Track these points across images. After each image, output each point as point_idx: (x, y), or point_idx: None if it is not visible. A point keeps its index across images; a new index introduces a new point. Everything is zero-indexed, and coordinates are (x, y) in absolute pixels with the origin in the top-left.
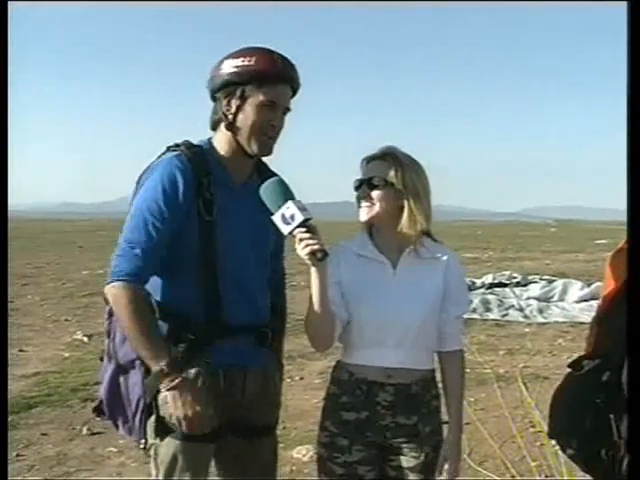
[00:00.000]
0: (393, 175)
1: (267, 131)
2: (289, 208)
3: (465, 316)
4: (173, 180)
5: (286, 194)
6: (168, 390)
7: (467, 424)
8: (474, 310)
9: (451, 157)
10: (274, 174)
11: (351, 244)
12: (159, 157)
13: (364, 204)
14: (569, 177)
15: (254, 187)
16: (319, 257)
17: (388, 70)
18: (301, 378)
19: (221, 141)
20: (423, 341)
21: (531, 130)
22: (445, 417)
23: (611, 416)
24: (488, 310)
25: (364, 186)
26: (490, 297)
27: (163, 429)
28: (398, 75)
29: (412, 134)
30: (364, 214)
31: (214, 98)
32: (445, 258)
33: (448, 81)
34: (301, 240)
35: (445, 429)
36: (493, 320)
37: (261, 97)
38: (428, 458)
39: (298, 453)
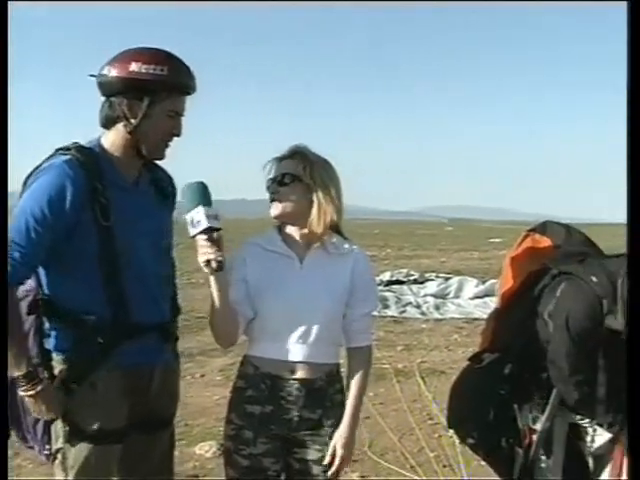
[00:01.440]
0: (302, 172)
1: (169, 139)
2: (198, 213)
3: None
4: (60, 187)
5: (200, 199)
6: (27, 397)
7: (367, 418)
8: None
9: (349, 155)
10: (162, 169)
11: (260, 240)
12: (48, 159)
13: (274, 201)
14: (464, 177)
15: (146, 184)
16: (214, 267)
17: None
18: (202, 375)
19: (115, 141)
20: (328, 336)
21: (430, 130)
22: None
23: (515, 406)
24: (386, 307)
25: (274, 184)
26: (388, 294)
27: (75, 434)
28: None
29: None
30: (274, 210)
31: (110, 94)
32: (353, 255)
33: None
34: (200, 247)
35: None
36: (391, 317)
37: (169, 107)
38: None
39: (201, 449)
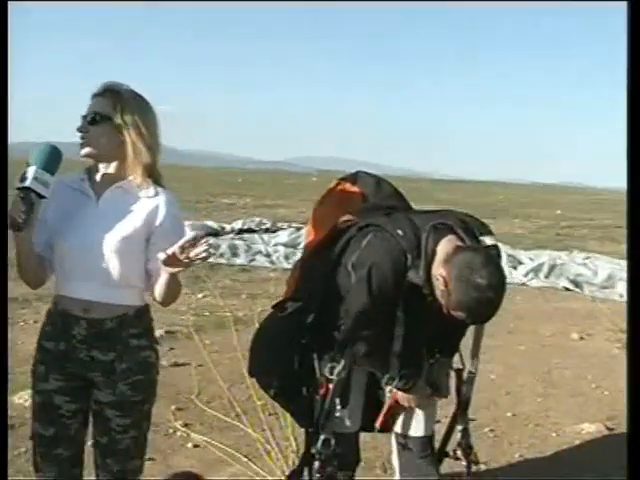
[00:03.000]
0: (112, 110)
1: None
2: (28, 172)
3: (212, 260)
4: None
5: (40, 161)
6: None
7: (200, 366)
8: (221, 255)
9: (219, 103)
10: None
11: (66, 178)
12: None
13: (83, 140)
14: (335, 129)
15: None
16: (9, 223)
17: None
18: (35, 322)
19: None
20: (121, 277)
21: (309, 79)
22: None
23: (314, 355)
24: (235, 255)
25: (85, 123)
26: (238, 242)
27: None
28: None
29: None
30: (82, 150)
31: None
32: (157, 198)
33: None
34: (13, 202)
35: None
36: (240, 265)
37: None
38: (124, 396)
39: (20, 398)
